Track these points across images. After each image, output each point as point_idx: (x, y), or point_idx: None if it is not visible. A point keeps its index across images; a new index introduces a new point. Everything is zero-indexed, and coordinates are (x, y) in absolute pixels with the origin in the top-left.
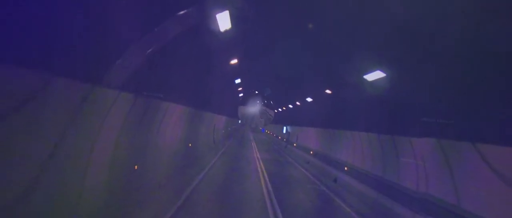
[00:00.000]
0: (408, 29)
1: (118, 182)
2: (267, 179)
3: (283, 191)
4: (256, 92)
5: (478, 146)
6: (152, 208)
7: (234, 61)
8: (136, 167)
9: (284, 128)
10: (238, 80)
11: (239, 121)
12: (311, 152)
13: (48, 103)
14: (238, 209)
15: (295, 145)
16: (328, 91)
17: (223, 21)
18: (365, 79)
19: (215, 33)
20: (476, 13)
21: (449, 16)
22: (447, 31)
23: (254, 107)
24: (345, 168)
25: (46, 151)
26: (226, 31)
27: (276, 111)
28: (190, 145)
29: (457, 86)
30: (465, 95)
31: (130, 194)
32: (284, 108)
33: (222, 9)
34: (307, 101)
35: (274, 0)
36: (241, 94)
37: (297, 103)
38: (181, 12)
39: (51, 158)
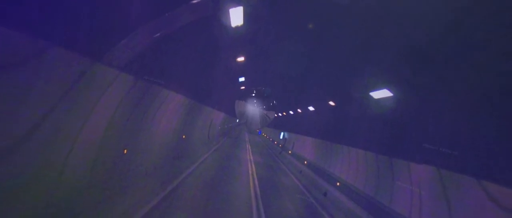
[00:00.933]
0: (423, 51)
1: (105, 164)
2: (256, 183)
3: (271, 197)
4: (258, 92)
5: (484, 184)
6: (134, 196)
7: (241, 59)
8: (125, 151)
9: (281, 133)
10: (242, 79)
11: (237, 120)
12: (305, 162)
13: (40, 72)
14: (222, 210)
15: (290, 152)
16: (331, 103)
17: (236, 16)
18: (371, 96)
19: (226, 27)
20: (495, 44)
21: (468, 44)
22: (463, 59)
23: (253, 107)
24: (337, 183)
25: (32, 120)
26: (237, 28)
27: (276, 115)
28: (184, 136)
29: (466, 117)
30: (474, 127)
31: (115, 179)
32: (284, 113)
33: (237, 4)
34: (308, 109)
35: (288, 4)
36: (242, 88)
37: (299, 110)
38: (195, 1)
39: (36, 129)
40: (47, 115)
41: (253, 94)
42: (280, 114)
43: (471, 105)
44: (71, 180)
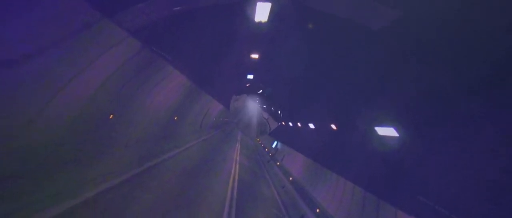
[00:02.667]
0: (441, 104)
1: (86, 124)
2: (235, 186)
3: (247, 205)
4: (262, 92)
5: None
6: (107, 165)
7: (255, 55)
8: (111, 116)
9: (275, 142)
10: (250, 76)
11: (229, 119)
12: (291, 178)
13: (35, 6)
14: (193, 206)
15: (278, 163)
16: (333, 126)
17: (262, 12)
18: (375, 131)
19: (248, 20)
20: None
21: (490, 105)
22: (481, 123)
23: (253, 106)
24: (317, 210)
25: (13, 57)
26: (259, 23)
27: (280, 124)
28: (176, 118)
29: (474, 179)
30: (480, 192)
31: (92, 142)
32: (283, 123)
33: (266, 0)
34: (308, 126)
35: (315, 17)
36: (248, 85)
37: (298, 124)
38: None
39: (17, 66)
40: (31, 56)
41: (260, 92)
42: (282, 123)
43: (481, 170)
44: (43, 132)
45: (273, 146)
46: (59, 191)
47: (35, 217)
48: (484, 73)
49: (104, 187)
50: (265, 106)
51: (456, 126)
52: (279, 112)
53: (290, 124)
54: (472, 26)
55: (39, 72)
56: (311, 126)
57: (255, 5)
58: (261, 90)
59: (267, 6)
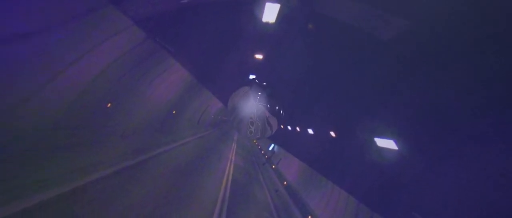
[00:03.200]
0: (445, 122)
1: (82, 111)
2: (229, 186)
3: (238, 207)
4: (264, 89)
5: None
6: (99, 154)
7: (259, 56)
8: (109, 104)
9: (272, 145)
10: (253, 76)
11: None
12: (285, 182)
13: None
14: (184, 202)
15: (273, 167)
16: (332, 133)
17: (270, 12)
18: (375, 142)
19: (255, 20)
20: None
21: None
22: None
23: (253, 104)
24: (309, 216)
25: (12, 38)
26: (266, 24)
27: (281, 126)
28: (174, 112)
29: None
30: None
31: (88, 129)
32: (282, 126)
33: (275, 1)
34: (307, 131)
35: (323, 23)
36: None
37: (297, 128)
38: None
39: (15, 43)
40: (29, 35)
41: (264, 84)
42: (280, 126)
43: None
44: (37, 114)
45: (270, 148)
46: (46, 177)
47: (14, 204)
48: (495, 91)
49: (95, 177)
50: (268, 106)
51: (460, 145)
52: (282, 111)
53: (289, 127)
54: (482, 40)
55: (36, 52)
56: (310, 131)
57: (264, 5)
58: (265, 83)
59: (276, 7)
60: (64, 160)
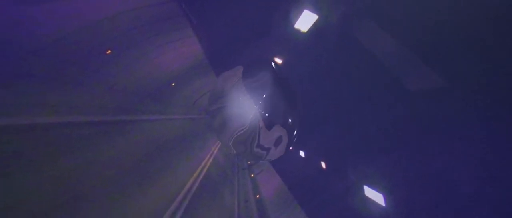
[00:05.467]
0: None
1: (77, 47)
2: (199, 180)
3: (201, 205)
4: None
5: None
6: (77, 98)
7: (278, 60)
8: (109, 51)
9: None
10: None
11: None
12: (258, 196)
13: None
14: (151, 177)
15: (252, 176)
16: (323, 164)
17: (305, 21)
18: (363, 188)
19: (287, 22)
20: None
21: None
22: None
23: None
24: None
25: None
26: (297, 31)
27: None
28: (173, 84)
29: None
30: None
31: (76, 67)
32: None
33: (315, 11)
34: (298, 153)
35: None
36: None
37: (290, 148)
38: None
39: None
40: None
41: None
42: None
43: None
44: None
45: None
46: None
47: None
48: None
49: (61, 120)
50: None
51: None
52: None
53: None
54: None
55: None
56: (301, 154)
57: (302, 11)
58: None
59: (313, 17)
60: (33, 97)
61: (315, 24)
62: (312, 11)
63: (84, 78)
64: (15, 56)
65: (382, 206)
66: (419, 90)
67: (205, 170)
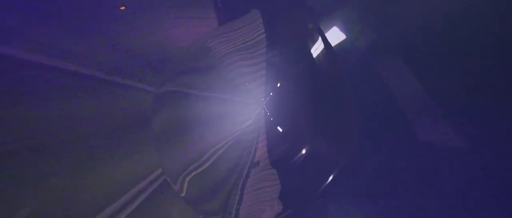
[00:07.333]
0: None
1: None
2: None
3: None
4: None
5: None
6: (75, 47)
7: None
8: (123, 7)
9: None
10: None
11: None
12: None
13: None
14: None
15: None
16: None
17: (334, 35)
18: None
19: (313, 38)
20: None
21: None
22: None
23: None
24: None
25: None
26: (324, 41)
27: None
28: (122, 8)
29: None
30: None
31: (79, 17)
32: None
33: (344, 32)
34: None
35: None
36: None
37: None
38: None
39: None
40: None
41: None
42: None
43: None
44: None
45: None
46: None
47: None
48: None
49: (52, 63)
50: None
51: None
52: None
53: None
54: None
55: None
56: None
57: (334, 25)
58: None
59: (340, 36)
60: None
61: (338, 45)
62: (341, 30)
63: (87, 27)
64: None
65: None
66: (429, 142)
67: None
